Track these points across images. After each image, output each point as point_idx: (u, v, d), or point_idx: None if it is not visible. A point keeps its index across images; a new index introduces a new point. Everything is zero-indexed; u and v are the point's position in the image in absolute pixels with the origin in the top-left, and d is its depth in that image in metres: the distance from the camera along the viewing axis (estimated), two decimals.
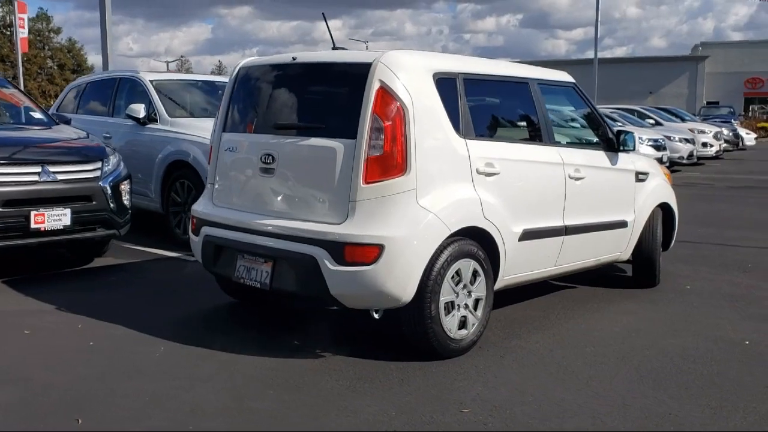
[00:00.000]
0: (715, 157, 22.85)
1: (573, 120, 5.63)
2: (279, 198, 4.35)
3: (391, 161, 4.00)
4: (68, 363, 4.09)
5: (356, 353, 4.31)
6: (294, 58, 4.47)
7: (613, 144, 5.66)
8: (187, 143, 7.45)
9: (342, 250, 3.96)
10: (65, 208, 5.89)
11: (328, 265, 3.98)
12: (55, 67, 55.54)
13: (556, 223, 5.03)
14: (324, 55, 4.49)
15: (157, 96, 8.13)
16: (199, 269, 6.60)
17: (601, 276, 6.41)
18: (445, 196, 4.17)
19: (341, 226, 4.02)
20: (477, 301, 4.38)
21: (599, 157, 5.54)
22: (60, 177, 5.89)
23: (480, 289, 4.38)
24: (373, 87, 4.03)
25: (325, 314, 5.22)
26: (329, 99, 4.39)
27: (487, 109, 4.85)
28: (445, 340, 4.17)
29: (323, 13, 4.57)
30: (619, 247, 5.84)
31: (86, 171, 6.10)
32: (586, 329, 4.98)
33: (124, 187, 6.46)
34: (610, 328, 5.03)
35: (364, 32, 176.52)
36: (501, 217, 4.48)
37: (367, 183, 4.00)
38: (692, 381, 4.00)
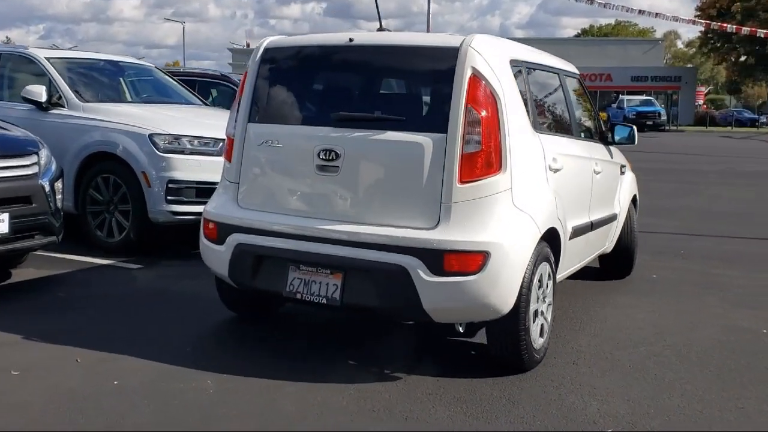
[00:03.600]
0: None
1: (582, 112, 5.51)
2: (346, 200, 3.77)
3: (488, 158, 3.60)
4: (112, 411, 3.26)
5: (427, 371, 3.87)
6: (351, 40, 3.87)
7: (606, 137, 5.63)
8: (113, 132, 6.44)
9: (440, 259, 3.50)
10: (3, 212, 4.80)
11: (423, 276, 3.51)
12: None
13: (587, 219, 4.90)
14: (391, 37, 3.96)
15: (59, 76, 6.95)
16: (153, 279, 5.76)
17: None
18: (533, 195, 3.85)
19: (435, 232, 3.56)
20: (548, 306, 4.11)
21: (603, 150, 5.49)
22: None
23: (550, 293, 4.12)
24: (465, 75, 3.59)
25: (344, 326, 4.69)
26: (405, 87, 3.89)
27: (542, 101, 4.57)
28: (531, 351, 3.87)
29: None
30: (609, 240, 5.84)
31: (24, 167, 5.02)
32: (615, 326, 4.89)
33: (59, 185, 5.41)
34: (631, 323, 4.97)
35: (163, 12, 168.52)
36: (564, 216, 4.24)
37: (463, 183, 3.57)
38: (764, 377, 4.02)
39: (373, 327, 4.63)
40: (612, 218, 5.69)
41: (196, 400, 3.43)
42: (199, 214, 6.23)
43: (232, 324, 4.64)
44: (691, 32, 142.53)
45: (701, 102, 68.64)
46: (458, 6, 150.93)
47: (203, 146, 6.42)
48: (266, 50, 4.12)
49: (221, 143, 6.48)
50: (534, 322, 3.89)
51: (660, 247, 7.74)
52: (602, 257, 6.16)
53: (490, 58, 3.71)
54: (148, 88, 8.13)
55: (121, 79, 7.76)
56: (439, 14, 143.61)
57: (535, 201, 3.85)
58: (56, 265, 5.93)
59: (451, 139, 3.57)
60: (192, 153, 6.33)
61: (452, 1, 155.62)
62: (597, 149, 5.26)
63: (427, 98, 3.77)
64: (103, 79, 7.56)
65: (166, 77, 8.36)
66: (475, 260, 3.50)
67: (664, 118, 43.33)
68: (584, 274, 6.33)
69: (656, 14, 33.23)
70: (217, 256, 4.09)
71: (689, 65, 76.43)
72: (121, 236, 6.45)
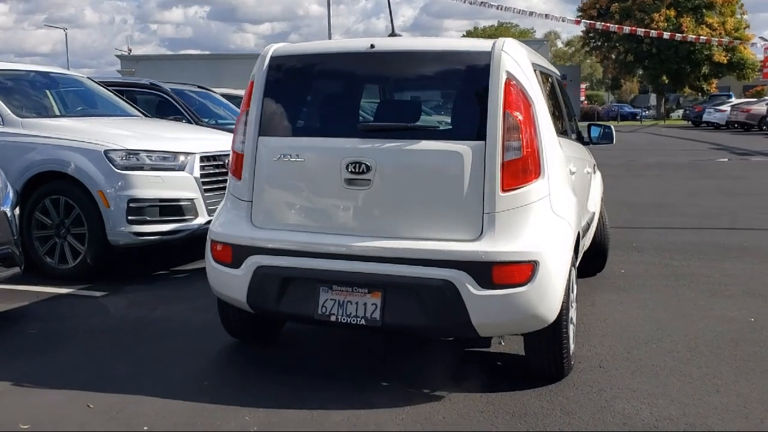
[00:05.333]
0: None
1: (569, 113, 5.51)
2: (379, 214, 3.57)
3: (527, 164, 3.50)
4: None
5: (467, 387, 3.74)
6: (372, 46, 3.68)
7: (582, 136, 5.68)
8: (61, 150, 5.93)
9: (489, 272, 3.37)
10: None
11: (471, 289, 3.37)
12: None
13: (585, 220, 4.91)
14: (414, 43, 3.80)
15: None
16: (126, 308, 5.33)
17: None
18: (565, 200, 3.79)
19: (480, 243, 3.42)
20: (574, 311, 4.07)
21: (586, 151, 5.53)
22: None
23: (575, 298, 4.08)
24: (501, 80, 3.48)
25: (358, 345, 4.49)
26: (434, 95, 3.73)
27: (552, 104, 4.51)
28: (569, 359, 3.81)
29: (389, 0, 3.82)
30: (588, 238, 5.88)
31: None
32: (617, 325, 4.92)
33: (17, 211, 4.92)
34: (630, 320, 5.01)
35: (35, 18, 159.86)
36: (580, 219, 4.22)
37: (505, 191, 3.46)
38: None
39: (389, 344, 4.45)
40: (593, 217, 5.74)
41: None
42: (165, 234, 5.97)
43: (238, 351, 4.34)
44: (567, 32, 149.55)
45: (583, 98, 71.86)
46: (343, 9, 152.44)
47: (163, 161, 6.02)
48: (273, 58, 3.86)
49: (182, 157, 6.12)
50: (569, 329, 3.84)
51: (612, 241, 7.90)
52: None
53: (521, 61, 3.62)
54: (83, 100, 7.57)
55: (54, 91, 7.18)
56: (324, 17, 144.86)
57: (568, 206, 3.80)
58: (7, 298, 5.39)
59: (491, 147, 3.45)
60: (152, 169, 5.92)
61: (337, 4, 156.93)
62: (585, 150, 5.30)
63: (460, 105, 3.64)
64: (37, 93, 6.98)
65: (100, 88, 7.81)
66: (524, 271, 3.40)
67: None
68: None
69: (546, 15, 34.35)
70: (231, 281, 3.79)
71: (569, 63, 79.86)
72: (76, 262, 5.94)
